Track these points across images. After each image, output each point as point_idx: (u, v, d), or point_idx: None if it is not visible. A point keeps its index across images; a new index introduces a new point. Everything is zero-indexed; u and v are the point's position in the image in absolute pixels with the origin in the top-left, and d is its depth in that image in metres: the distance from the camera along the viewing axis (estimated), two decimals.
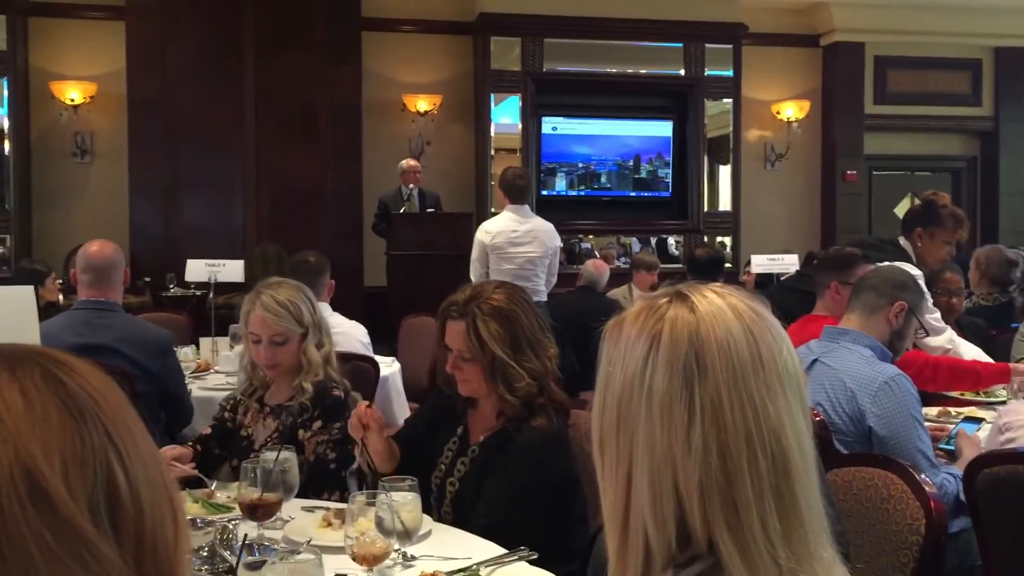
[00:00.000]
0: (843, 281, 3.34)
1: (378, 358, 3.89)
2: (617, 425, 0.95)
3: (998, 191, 10.25)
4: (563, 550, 2.11)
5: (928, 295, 3.46)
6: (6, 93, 8.04)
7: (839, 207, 9.84)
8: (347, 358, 3.17)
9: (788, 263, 6.68)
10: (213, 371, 4.26)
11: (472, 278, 5.36)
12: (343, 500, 2.33)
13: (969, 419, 3.12)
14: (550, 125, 9.14)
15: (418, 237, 7.36)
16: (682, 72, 9.31)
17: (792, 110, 9.73)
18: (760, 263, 6.83)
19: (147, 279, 7.37)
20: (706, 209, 9.45)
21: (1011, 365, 3.42)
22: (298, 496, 2.21)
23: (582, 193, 9.32)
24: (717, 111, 9.44)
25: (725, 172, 9.57)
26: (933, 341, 3.48)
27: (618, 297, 6.66)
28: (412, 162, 7.75)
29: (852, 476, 2.10)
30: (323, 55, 8.23)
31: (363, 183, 8.39)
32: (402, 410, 4.04)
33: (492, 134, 8.94)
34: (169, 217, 8.09)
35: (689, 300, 0.96)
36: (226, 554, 1.85)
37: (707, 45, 9.25)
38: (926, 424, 2.63)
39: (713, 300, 0.96)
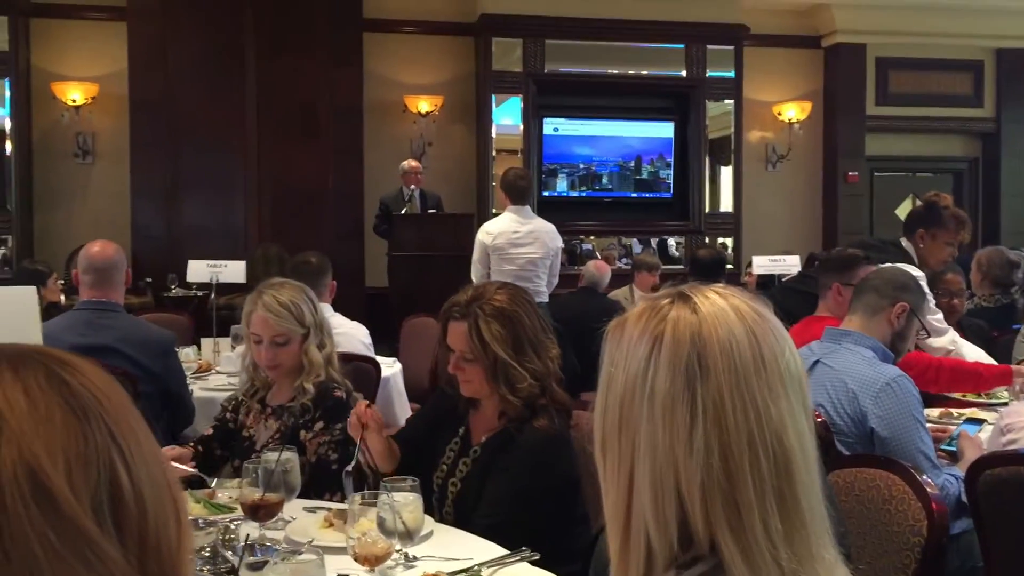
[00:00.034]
0: (845, 282, 3.34)
1: (379, 359, 3.89)
2: (619, 426, 0.95)
3: (999, 192, 10.24)
4: (565, 551, 2.11)
5: (930, 296, 3.46)
6: (8, 94, 8.04)
7: (840, 208, 9.84)
8: (349, 359, 3.17)
9: (789, 264, 6.68)
10: (214, 372, 4.27)
11: (473, 279, 5.36)
12: (344, 501, 2.33)
13: (971, 420, 3.11)
14: (551, 126, 9.15)
15: (419, 238, 7.37)
16: (683, 73, 9.31)
17: (793, 111, 9.73)
18: (761, 264, 6.83)
19: (148, 280, 7.37)
20: (707, 210, 9.45)
21: (1013, 367, 3.42)
22: (300, 497, 2.21)
23: (583, 194, 9.32)
24: (718, 112, 9.44)
25: (726, 173, 9.57)
26: (935, 342, 3.48)
27: (619, 298, 6.66)
28: (413, 163, 7.75)
29: (854, 477, 2.10)
30: (324, 56, 8.24)
31: (364, 184, 8.39)
32: (403, 411, 4.04)
33: (493, 135, 8.94)
34: (170, 218, 8.10)
35: (691, 301, 0.96)
36: (228, 554, 1.85)
37: (708, 46, 9.25)
38: (928, 425, 2.63)
39: (715, 301, 0.96)
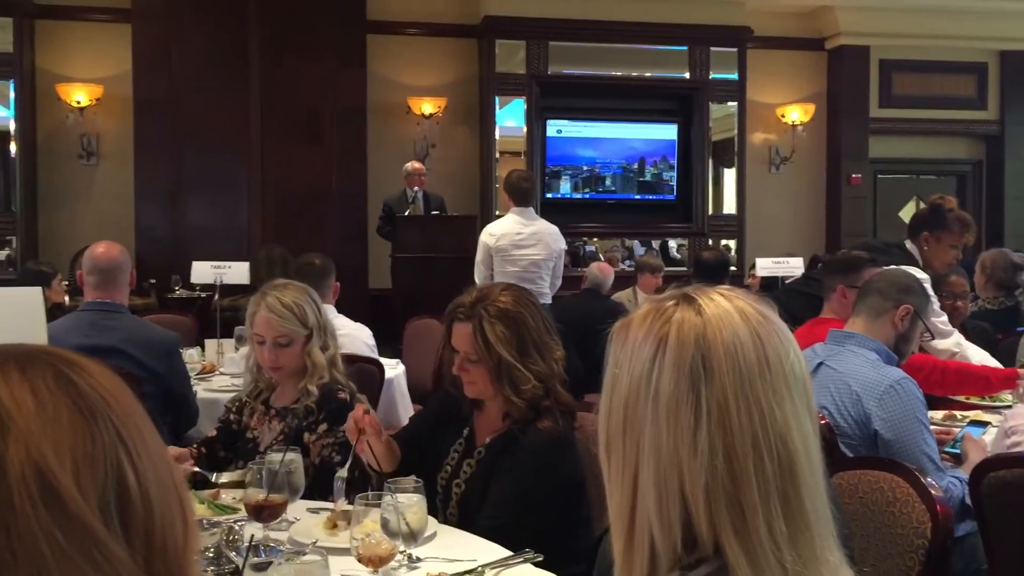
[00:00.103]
0: (849, 284, 3.34)
1: (383, 360, 3.89)
2: (623, 427, 0.95)
3: (1003, 195, 10.22)
4: (568, 552, 2.11)
5: (935, 298, 3.45)
6: (13, 95, 8.06)
7: (844, 210, 9.83)
8: (352, 360, 3.17)
9: (793, 266, 6.66)
10: (218, 373, 4.27)
11: (476, 280, 5.36)
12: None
13: (975, 423, 3.11)
14: (555, 128, 9.15)
15: (423, 240, 7.37)
16: (687, 75, 9.31)
17: (797, 113, 9.72)
18: (765, 266, 6.82)
19: (152, 281, 7.38)
20: (711, 212, 9.45)
21: (1019, 370, 3.41)
22: (303, 499, 2.21)
23: (587, 196, 9.32)
24: (722, 114, 9.44)
25: (730, 175, 9.56)
26: (940, 344, 3.47)
27: (622, 300, 6.66)
28: (417, 165, 7.76)
29: (858, 479, 2.10)
30: (328, 57, 8.25)
31: (368, 185, 8.40)
32: (406, 412, 4.04)
33: (497, 137, 8.94)
34: (174, 219, 8.11)
35: (696, 303, 0.96)
36: (232, 555, 1.85)
37: (712, 48, 9.25)
38: (932, 427, 2.63)
39: (720, 303, 0.96)
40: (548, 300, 5.54)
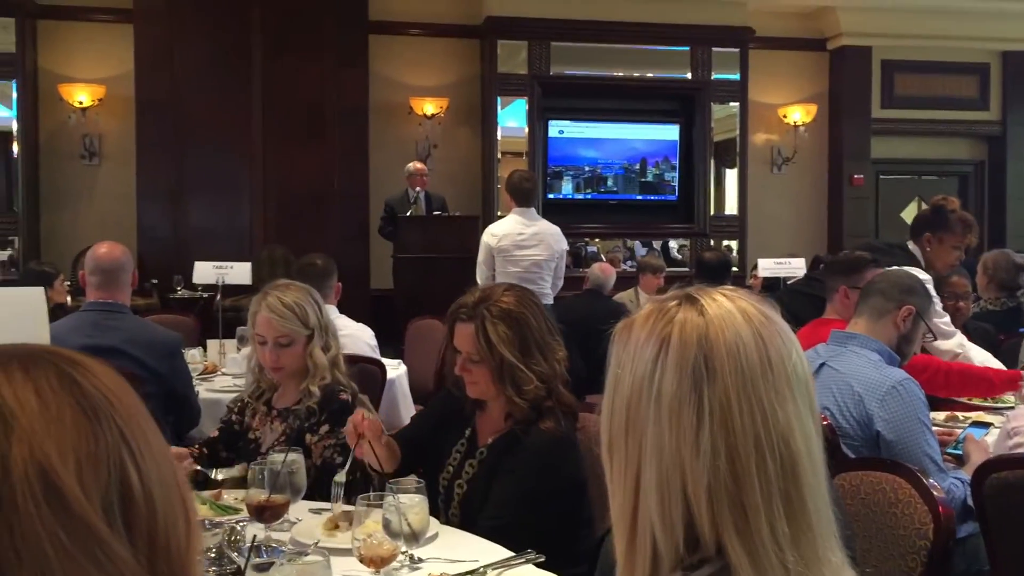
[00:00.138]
0: (852, 285, 3.33)
1: (384, 361, 3.89)
2: (626, 428, 0.95)
3: (1005, 195, 10.22)
4: (570, 553, 2.11)
5: (937, 299, 3.45)
6: (15, 95, 8.07)
7: (846, 211, 9.82)
8: (354, 360, 3.17)
9: (795, 267, 6.66)
10: (220, 373, 4.27)
11: (478, 281, 5.36)
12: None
13: (977, 424, 3.11)
14: (557, 128, 9.15)
15: (424, 240, 7.37)
16: (689, 76, 9.31)
17: (799, 114, 9.72)
18: (766, 267, 6.81)
19: (154, 281, 7.39)
20: (712, 213, 9.45)
21: (1022, 372, 3.41)
22: (305, 500, 2.21)
23: (588, 196, 9.31)
24: (724, 115, 9.44)
25: (732, 176, 9.56)
26: (943, 345, 3.47)
27: (624, 300, 6.67)
28: (419, 165, 7.76)
29: (860, 480, 2.10)
30: (330, 58, 8.25)
31: (370, 186, 8.41)
32: (408, 413, 4.04)
33: (499, 137, 8.94)
34: (176, 219, 8.12)
35: (698, 303, 0.96)
36: (234, 555, 1.85)
37: (714, 49, 9.24)
38: (934, 428, 2.62)
39: (722, 303, 0.96)
40: (550, 300, 5.54)
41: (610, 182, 9.35)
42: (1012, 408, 3.23)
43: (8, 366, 0.61)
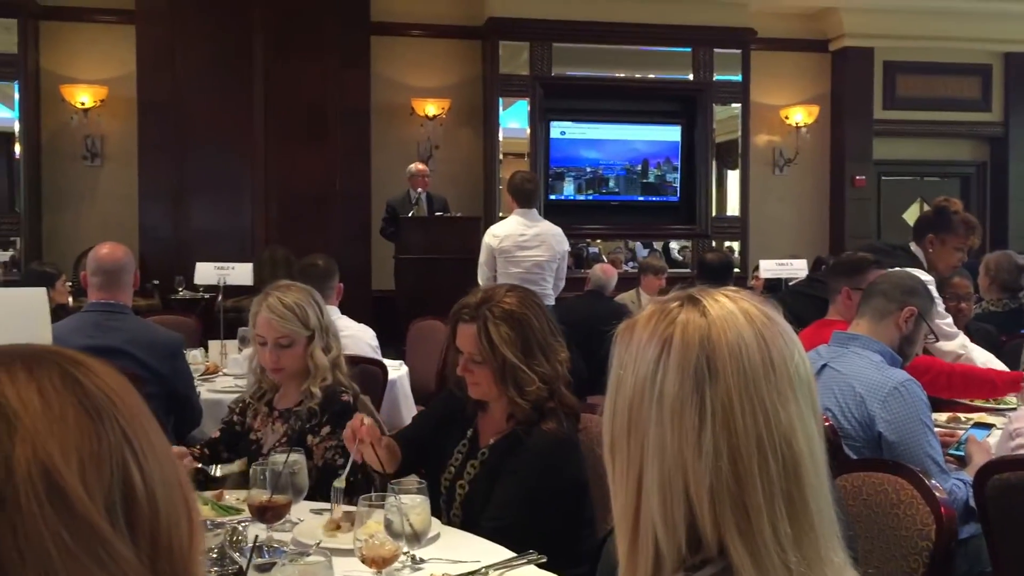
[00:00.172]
0: (855, 286, 3.33)
1: (386, 362, 3.90)
2: (628, 428, 0.95)
3: (1008, 196, 10.21)
4: (572, 553, 2.11)
5: (939, 300, 3.45)
6: (17, 96, 8.08)
7: (848, 212, 9.82)
8: (355, 361, 3.17)
9: (796, 268, 6.66)
10: (222, 374, 4.28)
11: (480, 282, 5.37)
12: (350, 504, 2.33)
13: (979, 425, 3.11)
14: (558, 129, 9.15)
15: (426, 241, 7.37)
16: (691, 77, 9.31)
17: (801, 115, 9.71)
18: (768, 268, 6.81)
19: (156, 282, 7.39)
20: (714, 214, 9.45)
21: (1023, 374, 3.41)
22: (306, 500, 2.21)
23: (590, 197, 9.32)
24: (726, 116, 9.44)
25: (733, 177, 9.56)
26: (946, 346, 3.47)
27: (626, 301, 6.67)
28: (420, 166, 7.77)
29: (862, 481, 2.10)
30: (332, 59, 8.26)
31: (371, 187, 8.41)
32: (409, 413, 4.04)
33: (500, 138, 8.95)
34: (178, 220, 8.12)
35: (701, 304, 0.96)
36: (236, 556, 1.85)
37: (716, 50, 9.24)
38: (936, 429, 2.62)
39: (725, 304, 0.96)
40: (551, 301, 5.54)
41: (612, 183, 9.35)
42: (1014, 409, 3.23)
43: (12, 366, 0.61)
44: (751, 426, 0.90)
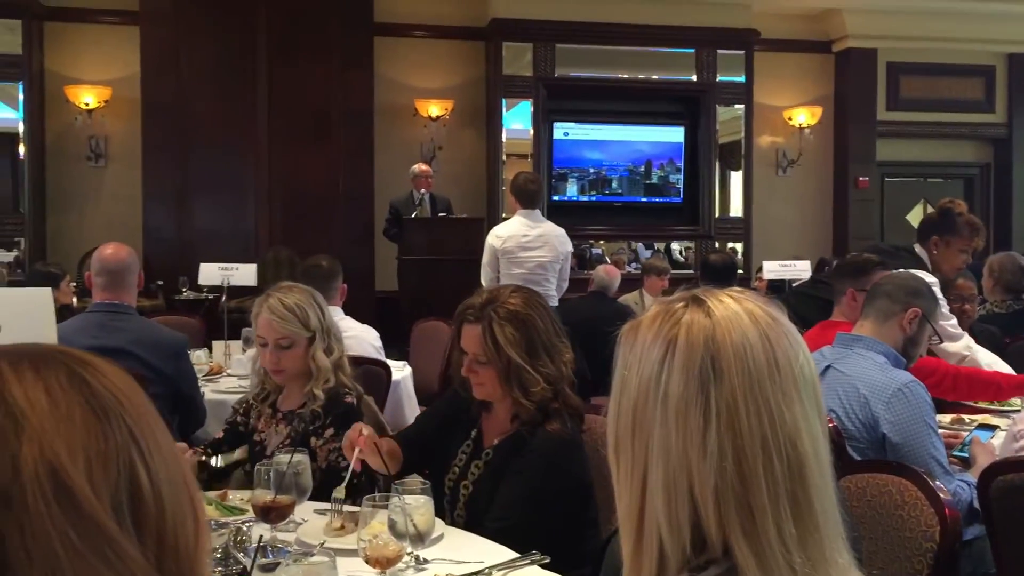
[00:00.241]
0: (859, 288, 3.33)
1: (389, 362, 3.90)
2: (632, 429, 0.95)
3: (1011, 198, 10.20)
4: (576, 554, 2.11)
5: (944, 302, 3.44)
6: (21, 97, 8.09)
7: (851, 213, 9.81)
8: (359, 362, 3.17)
9: (800, 269, 6.65)
10: (225, 374, 4.28)
11: (483, 283, 5.37)
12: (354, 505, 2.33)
13: (983, 426, 3.10)
14: (562, 130, 9.15)
15: (429, 242, 7.37)
16: (694, 78, 9.31)
17: (804, 116, 9.71)
18: (772, 269, 6.81)
19: (160, 282, 7.40)
20: (717, 215, 9.44)
21: None
22: (310, 500, 2.22)
23: (593, 198, 9.32)
24: (729, 117, 9.43)
25: (737, 178, 9.56)
26: (950, 347, 3.46)
27: (629, 302, 6.66)
28: (424, 167, 7.77)
29: (866, 483, 2.10)
30: (336, 60, 8.27)
31: (375, 187, 8.42)
32: (413, 414, 4.04)
33: (504, 139, 8.95)
34: (182, 221, 8.14)
35: (705, 305, 0.96)
36: (240, 556, 1.85)
37: (719, 51, 9.24)
38: (940, 431, 2.62)
39: (729, 305, 0.96)
40: (555, 303, 5.54)
41: (615, 184, 9.35)
42: (1019, 411, 3.22)
43: (19, 366, 0.61)
44: (756, 426, 0.90)
